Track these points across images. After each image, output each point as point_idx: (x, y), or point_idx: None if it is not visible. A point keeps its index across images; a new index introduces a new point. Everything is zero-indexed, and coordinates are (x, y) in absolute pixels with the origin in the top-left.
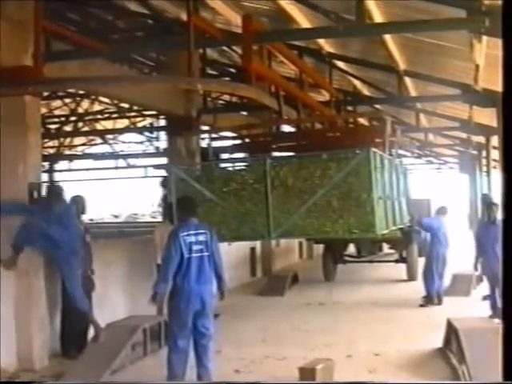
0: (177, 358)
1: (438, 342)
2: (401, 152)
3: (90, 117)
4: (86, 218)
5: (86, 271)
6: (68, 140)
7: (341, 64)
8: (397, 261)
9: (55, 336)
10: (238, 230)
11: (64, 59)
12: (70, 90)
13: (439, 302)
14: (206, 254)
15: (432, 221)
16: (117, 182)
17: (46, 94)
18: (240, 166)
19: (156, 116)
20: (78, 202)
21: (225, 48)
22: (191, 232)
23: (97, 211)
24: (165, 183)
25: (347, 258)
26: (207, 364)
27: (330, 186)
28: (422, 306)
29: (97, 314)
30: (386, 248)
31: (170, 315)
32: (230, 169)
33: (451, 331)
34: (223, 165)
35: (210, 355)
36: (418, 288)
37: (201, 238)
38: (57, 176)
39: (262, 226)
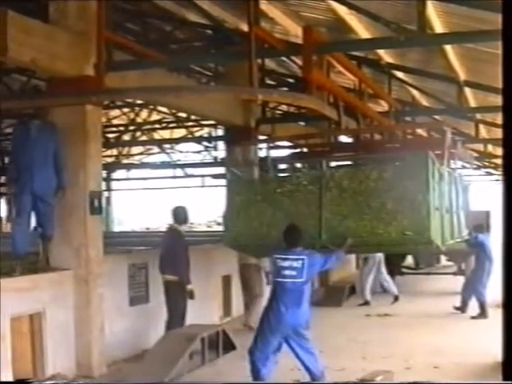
0: (256, 371)
1: (499, 355)
2: (461, 164)
3: (148, 126)
4: (146, 227)
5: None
6: (126, 149)
7: (399, 74)
8: (455, 273)
9: (115, 343)
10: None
11: (125, 69)
12: (130, 100)
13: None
14: (298, 280)
15: (484, 237)
16: (174, 192)
17: (105, 103)
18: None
19: (214, 126)
20: (180, 212)
21: (282, 58)
22: (284, 256)
23: (153, 220)
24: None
25: (405, 270)
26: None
27: (385, 188)
28: (473, 318)
29: (155, 322)
30: (443, 260)
31: (259, 324)
32: (285, 174)
33: None
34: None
35: (313, 368)
36: (476, 301)
37: (295, 263)
38: (114, 185)
39: (313, 228)
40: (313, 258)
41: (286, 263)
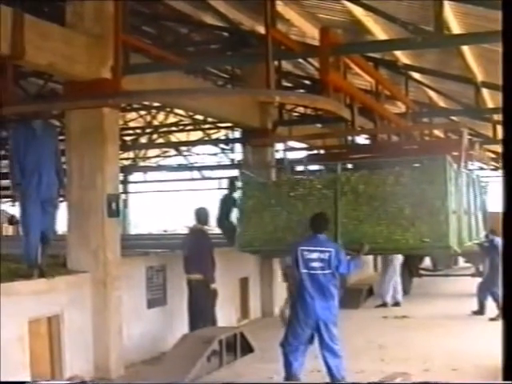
0: (289, 364)
1: None
2: (478, 165)
3: (165, 129)
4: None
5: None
6: (143, 152)
7: (416, 75)
8: (473, 275)
9: (133, 345)
10: (302, 237)
11: (141, 72)
12: (146, 103)
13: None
14: (327, 271)
15: (499, 240)
16: (190, 194)
17: (122, 106)
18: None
19: (231, 128)
20: (202, 213)
21: (299, 59)
22: (312, 248)
23: (170, 222)
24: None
25: (423, 272)
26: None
27: (402, 193)
28: (492, 319)
29: (173, 324)
30: (461, 262)
31: (288, 322)
32: (302, 176)
33: None
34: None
35: (335, 371)
36: (493, 302)
37: (322, 255)
38: (131, 187)
39: (328, 233)
40: (340, 252)
41: (314, 255)
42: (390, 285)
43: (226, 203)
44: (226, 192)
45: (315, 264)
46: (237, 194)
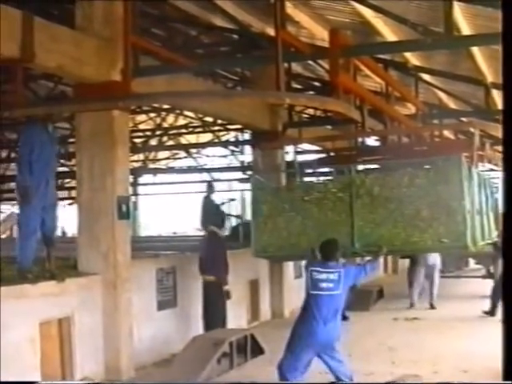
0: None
1: None
2: (489, 166)
3: (175, 131)
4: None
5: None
6: (153, 154)
7: (426, 77)
8: (484, 276)
9: (143, 347)
10: (318, 241)
11: (151, 74)
12: (156, 105)
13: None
14: (335, 292)
15: None
16: (200, 196)
17: (131, 108)
18: (324, 178)
19: (240, 130)
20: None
21: (309, 61)
22: (320, 269)
23: (180, 225)
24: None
25: None
26: None
27: (418, 194)
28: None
29: (183, 326)
30: (472, 263)
31: (290, 338)
32: (312, 178)
33: None
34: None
35: (343, 376)
36: None
37: (332, 276)
38: (141, 189)
39: (345, 237)
40: (349, 270)
41: (323, 276)
42: (434, 286)
43: (207, 206)
44: (204, 195)
45: (324, 285)
46: (215, 196)
